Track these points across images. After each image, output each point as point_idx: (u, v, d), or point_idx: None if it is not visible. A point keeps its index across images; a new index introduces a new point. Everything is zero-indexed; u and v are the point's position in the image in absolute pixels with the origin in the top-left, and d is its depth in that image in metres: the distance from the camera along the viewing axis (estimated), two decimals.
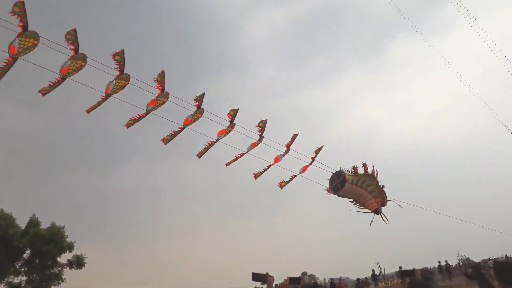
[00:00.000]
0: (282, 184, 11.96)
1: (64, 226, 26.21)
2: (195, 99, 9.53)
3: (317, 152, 11.95)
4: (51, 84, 7.74)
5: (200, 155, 10.33)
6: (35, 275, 24.87)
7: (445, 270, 29.74)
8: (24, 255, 25.02)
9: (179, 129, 9.57)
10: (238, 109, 9.87)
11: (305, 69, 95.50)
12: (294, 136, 11.41)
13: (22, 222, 25.61)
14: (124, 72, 8.14)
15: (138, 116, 8.88)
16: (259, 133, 10.53)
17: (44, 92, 7.78)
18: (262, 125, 10.62)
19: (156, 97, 8.79)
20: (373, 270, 28.18)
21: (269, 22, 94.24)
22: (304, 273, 38.07)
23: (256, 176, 11.49)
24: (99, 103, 8.42)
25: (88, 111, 8.48)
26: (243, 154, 10.73)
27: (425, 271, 15.17)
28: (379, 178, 12.78)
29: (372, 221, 13.01)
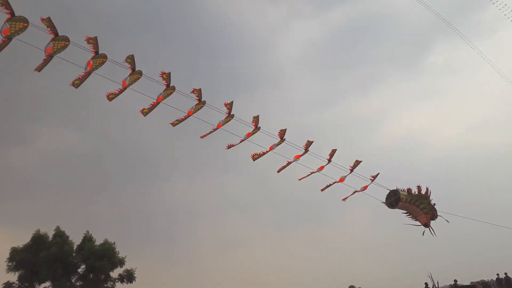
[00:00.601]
0: (345, 199, 14.22)
1: (115, 242, 27.33)
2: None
3: (374, 176, 13.91)
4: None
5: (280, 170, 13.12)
6: None
7: (505, 283, 27.84)
8: (79, 270, 26.29)
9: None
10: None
11: (342, 80, 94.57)
12: (358, 162, 13.31)
13: (74, 238, 26.94)
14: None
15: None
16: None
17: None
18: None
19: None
20: (426, 284, 26.87)
21: (303, 36, 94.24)
22: (351, 287, 37.01)
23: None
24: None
25: (205, 138, 11.43)
26: (313, 172, 13.00)
27: (485, 285, 14.73)
28: (431, 197, 14.63)
29: (424, 232, 14.69)
